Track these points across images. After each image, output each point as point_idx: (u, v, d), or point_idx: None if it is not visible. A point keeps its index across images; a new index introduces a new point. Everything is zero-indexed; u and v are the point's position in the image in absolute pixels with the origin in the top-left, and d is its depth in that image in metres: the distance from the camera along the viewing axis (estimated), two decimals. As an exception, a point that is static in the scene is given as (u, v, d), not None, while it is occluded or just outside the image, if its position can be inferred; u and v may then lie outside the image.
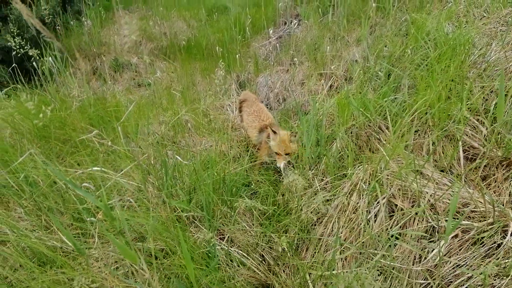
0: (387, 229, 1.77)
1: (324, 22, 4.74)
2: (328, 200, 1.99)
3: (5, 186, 1.92)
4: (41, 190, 1.86)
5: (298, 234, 1.85)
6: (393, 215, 1.81)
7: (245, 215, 2.05)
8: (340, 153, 2.32)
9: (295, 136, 2.46)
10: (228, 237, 1.85)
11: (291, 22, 5.21)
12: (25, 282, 1.50)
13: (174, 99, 4.26)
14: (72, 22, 5.15)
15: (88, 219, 1.50)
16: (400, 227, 1.76)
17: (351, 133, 2.53)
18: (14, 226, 1.78)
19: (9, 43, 4.83)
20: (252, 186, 2.33)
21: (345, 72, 3.70)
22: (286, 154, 2.45)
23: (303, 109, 3.59)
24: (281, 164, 2.41)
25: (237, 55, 4.53)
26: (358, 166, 2.09)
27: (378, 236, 1.73)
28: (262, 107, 3.32)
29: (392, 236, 1.71)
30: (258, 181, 2.32)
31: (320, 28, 4.59)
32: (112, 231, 1.58)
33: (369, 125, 2.56)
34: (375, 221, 1.80)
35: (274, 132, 2.50)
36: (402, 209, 1.80)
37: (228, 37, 5.05)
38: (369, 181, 1.96)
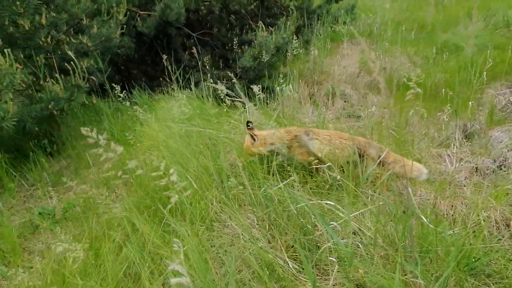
0: None
1: None
2: None
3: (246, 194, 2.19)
4: (274, 206, 2.03)
5: None
6: None
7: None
8: None
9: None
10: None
11: (548, 71, 4.26)
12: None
13: (384, 136, 4.10)
14: (301, 50, 5.67)
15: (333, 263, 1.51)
16: None
17: None
18: (247, 230, 2.00)
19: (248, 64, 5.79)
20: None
21: None
22: None
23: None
24: None
25: (470, 102, 4.00)
26: None
27: None
28: None
29: None
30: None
31: None
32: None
33: None
34: None
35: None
36: None
37: (459, 80, 4.53)
38: None
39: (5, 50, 3.20)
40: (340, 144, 2.58)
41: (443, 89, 4.55)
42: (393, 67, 5.53)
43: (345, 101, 5.43)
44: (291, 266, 1.77)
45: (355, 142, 2.57)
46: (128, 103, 3.94)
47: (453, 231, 2.00)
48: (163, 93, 4.74)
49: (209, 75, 5.05)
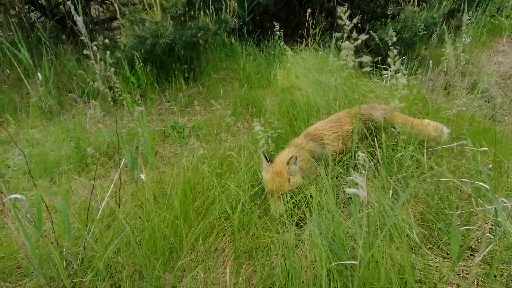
0: None
1: None
2: None
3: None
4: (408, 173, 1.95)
5: None
6: None
7: None
8: None
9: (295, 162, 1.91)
10: None
11: None
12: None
13: None
14: (449, 35, 5.11)
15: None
16: None
17: None
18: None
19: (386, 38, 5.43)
20: None
21: None
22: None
23: None
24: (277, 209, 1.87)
25: None
26: None
27: None
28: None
29: None
30: None
31: None
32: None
33: None
34: None
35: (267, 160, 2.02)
36: None
37: None
38: None
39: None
40: (346, 133, 2.30)
41: None
42: None
43: (486, 101, 4.84)
44: (415, 234, 1.71)
45: (355, 118, 2.20)
46: (282, 43, 4.21)
47: None
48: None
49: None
